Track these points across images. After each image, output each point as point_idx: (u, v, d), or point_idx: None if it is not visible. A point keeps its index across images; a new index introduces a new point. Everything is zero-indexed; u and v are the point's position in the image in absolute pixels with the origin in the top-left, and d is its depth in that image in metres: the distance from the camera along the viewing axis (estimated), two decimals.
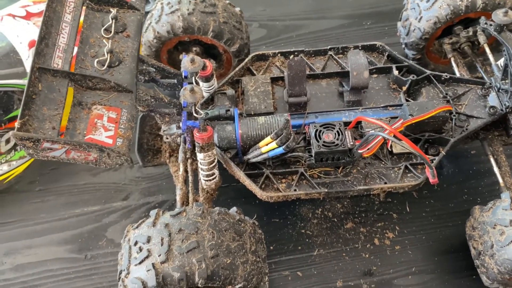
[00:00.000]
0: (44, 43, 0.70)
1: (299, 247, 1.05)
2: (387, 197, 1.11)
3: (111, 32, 0.78)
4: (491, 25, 0.95)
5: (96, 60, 0.74)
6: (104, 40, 0.76)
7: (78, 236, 1.10)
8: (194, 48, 1.17)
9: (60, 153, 0.65)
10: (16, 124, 0.62)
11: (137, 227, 0.82)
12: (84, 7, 0.79)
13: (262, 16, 1.50)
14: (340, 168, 0.96)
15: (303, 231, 1.07)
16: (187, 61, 0.87)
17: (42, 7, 1.17)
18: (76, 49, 0.74)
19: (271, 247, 1.05)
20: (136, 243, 0.79)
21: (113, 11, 0.80)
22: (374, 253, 1.04)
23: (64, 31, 0.73)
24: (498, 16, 0.91)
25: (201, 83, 1.01)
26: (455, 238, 1.04)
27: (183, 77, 0.93)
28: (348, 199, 1.11)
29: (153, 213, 0.82)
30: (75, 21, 0.75)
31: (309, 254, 1.04)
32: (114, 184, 1.17)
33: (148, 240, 0.78)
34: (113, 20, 0.79)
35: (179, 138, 0.99)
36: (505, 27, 0.93)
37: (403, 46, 1.23)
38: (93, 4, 0.80)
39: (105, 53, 0.74)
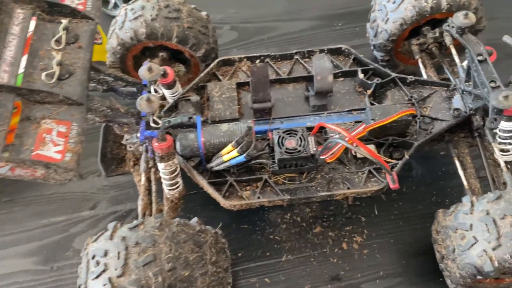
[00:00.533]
0: None
1: (268, 253, 1.05)
2: (356, 200, 1.10)
3: (62, 43, 0.76)
4: (453, 27, 0.94)
5: (45, 73, 0.72)
6: (54, 52, 0.75)
7: (45, 247, 1.08)
8: (160, 54, 1.15)
9: (5, 170, 0.64)
10: None
11: (95, 240, 0.81)
12: (35, 18, 0.78)
13: (234, 19, 1.49)
14: (305, 174, 0.95)
15: (271, 236, 1.07)
16: (145, 70, 0.86)
17: None
18: (24, 62, 0.73)
19: (239, 254, 1.05)
20: (93, 257, 0.78)
21: (65, 21, 0.78)
22: (342, 257, 1.04)
23: (11, 43, 0.72)
24: (459, 18, 0.91)
25: (164, 90, 1.00)
26: (423, 240, 1.04)
27: (142, 85, 0.92)
28: (317, 203, 1.10)
29: (111, 226, 0.81)
30: (23, 33, 0.74)
31: (277, 260, 1.04)
32: (81, 193, 1.16)
33: (105, 253, 0.77)
34: (64, 31, 0.77)
35: (141, 147, 0.98)
36: (466, 29, 0.92)
37: (372, 47, 1.22)
38: (44, 14, 0.79)
39: (54, 66, 0.73)
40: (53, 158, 0.66)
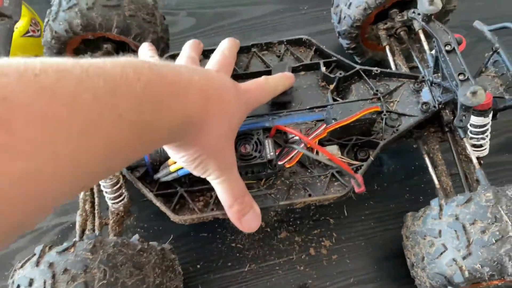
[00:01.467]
0: None
1: (229, 263, 0.98)
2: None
3: None
4: (419, 14, 0.86)
5: None
6: None
7: None
8: (104, 46, 1.05)
9: None
10: None
11: (21, 267, 0.72)
12: None
13: (191, 4, 1.37)
14: (263, 181, 0.87)
15: (233, 244, 1.00)
16: None
17: None
18: None
19: (198, 266, 0.97)
20: (18, 287, 0.70)
21: None
22: (310, 264, 0.97)
23: None
24: (424, 5, 0.82)
25: None
26: (397, 242, 0.97)
27: None
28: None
29: (37, 250, 0.72)
30: None
31: (239, 271, 0.97)
32: None
33: (30, 283, 0.68)
34: None
35: None
36: (432, 16, 0.83)
37: (337, 34, 1.13)
38: None
39: None
40: None
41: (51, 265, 0.69)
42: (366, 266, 0.97)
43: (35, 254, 0.72)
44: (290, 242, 1.00)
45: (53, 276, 0.67)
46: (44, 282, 0.67)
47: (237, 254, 0.99)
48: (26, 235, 1.02)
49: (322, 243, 0.99)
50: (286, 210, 1.03)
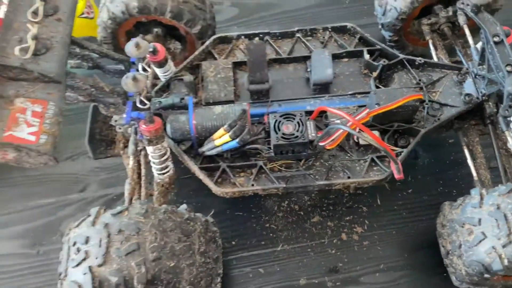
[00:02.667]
0: None
1: (263, 242, 1.00)
2: (357, 189, 1.05)
3: (39, 15, 0.70)
4: (468, 5, 0.87)
5: (19, 47, 0.66)
6: (30, 25, 0.69)
7: (31, 231, 1.04)
8: (155, 30, 1.08)
9: None
10: None
11: (77, 226, 0.76)
12: None
13: None
14: (302, 161, 0.90)
15: (267, 225, 1.02)
16: (131, 46, 0.79)
17: None
18: None
19: (233, 242, 1.00)
20: (74, 244, 0.74)
21: None
22: (341, 248, 0.99)
23: None
24: None
25: (155, 69, 0.94)
26: (428, 233, 0.99)
27: (130, 62, 0.86)
28: (315, 191, 1.05)
29: (93, 211, 0.76)
30: None
31: (272, 250, 0.99)
32: (71, 175, 1.11)
33: (87, 241, 0.72)
34: (42, 2, 0.71)
35: (130, 128, 0.92)
36: (482, 7, 0.84)
37: (380, 26, 1.15)
38: None
39: (30, 40, 0.67)
40: (26, 140, 0.61)
41: (106, 225, 0.72)
42: (396, 254, 0.98)
43: (90, 215, 0.76)
44: (323, 226, 1.02)
45: (108, 236, 0.71)
46: (100, 240, 0.71)
47: (271, 234, 1.01)
48: (73, 204, 1.07)
49: (354, 229, 1.01)
50: (320, 196, 1.05)
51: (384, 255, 0.97)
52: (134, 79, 0.75)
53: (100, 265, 0.70)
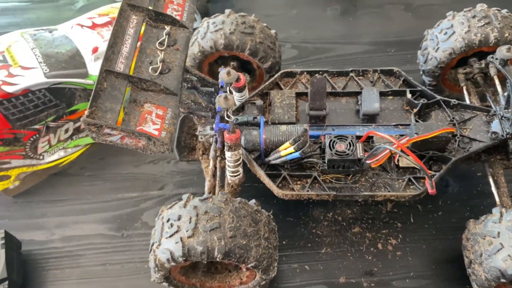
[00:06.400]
0: (111, 51, 0.87)
1: (309, 244, 1.18)
2: (394, 207, 1.21)
3: (164, 45, 0.95)
4: (497, 59, 1.06)
5: (151, 67, 0.90)
6: (158, 52, 0.93)
7: (118, 217, 1.26)
8: (232, 63, 1.33)
9: (116, 138, 0.81)
10: (86, 112, 0.78)
11: (170, 207, 0.97)
12: (144, 24, 0.97)
13: (295, 38, 1.65)
14: (350, 176, 1.08)
15: (314, 231, 1.20)
16: (224, 73, 1.03)
17: (105, 19, 1.37)
18: (135, 57, 0.91)
19: (284, 242, 1.18)
20: (168, 220, 0.94)
21: (167, 28, 0.97)
22: (377, 256, 1.15)
23: (127, 42, 0.91)
24: (502, 51, 1.02)
25: (234, 93, 1.17)
26: (453, 250, 1.13)
27: (219, 86, 1.09)
28: (357, 206, 1.22)
29: (185, 196, 0.97)
30: (136, 35, 0.93)
31: (317, 251, 1.16)
32: (152, 175, 1.34)
33: (179, 218, 0.93)
34: (166, 36, 0.95)
35: (211, 138, 1.14)
36: (508, 61, 1.03)
37: (421, 72, 1.34)
38: (151, 21, 0.98)
39: (158, 62, 0.91)
40: (152, 133, 0.83)
41: (195, 207, 0.93)
42: (425, 264, 1.13)
43: (181, 199, 0.96)
44: (362, 236, 1.18)
45: (197, 215, 0.91)
46: (190, 218, 0.91)
47: (316, 239, 1.19)
48: (153, 198, 1.29)
49: (389, 241, 1.17)
50: (361, 210, 1.22)
51: (414, 265, 1.13)
52: (225, 98, 0.97)
53: (189, 237, 0.90)
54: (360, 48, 1.60)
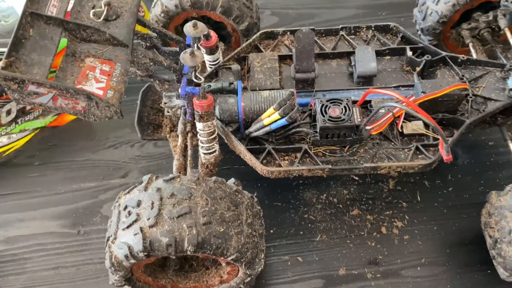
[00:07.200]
0: None
1: (301, 232, 1.00)
2: (397, 185, 1.05)
3: None
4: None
5: (92, 11, 0.71)
6: None
7: (73, 212, 1.06)
8: None
9: (47, 99, 0.62)
10: (1, 63, 0.59)
11: (128, 192, 0.78)
12: None
13: (275, 4, 1.47)
14: (347, 147, 0.91)
15: (305, 216, 1.02)
16: (190, 26, 0.84)
17: None
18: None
19: (271, 231, 1.00)
20: (125, 208, 0.75)
21: None
22: (381, 242, 0.98)
23: None
24: None
25: (205, 56, 0.98)
26: (470, 230, 0.98)
27: (186, 45, 0.90)
28: (354, 185, 1.05)
29: (145, 177, 0.78)
30: None
31: (310, 240, 0.99)
32: (113, 161, 1.14)
33: (138, 204, 0.74)
34: None
35: (179, 110, 0.95)
36: None
37: (419, 32, 1.18)
38: None
39: (103, 6, 0.71)
40: (95, 93, 0.64)
41: (158, 189, 0.74)
42: (438, 249, 0.96)
43: (142, 182, 0.77)
44: (362, 219, 1.01)
45: (161, 199, 0.72)
46: (152, 203, 0.72)
47: (309, 225, 1.01)
48: (114, 188, 1.09)
49: (394, 224, 1.00)
50: (359, 190, 1.05)
51: (425, 250, 0.96)
52: (192, 54, 0.78)
53: (151, 226, 0.71)
54: (348, 13, 1.43)
